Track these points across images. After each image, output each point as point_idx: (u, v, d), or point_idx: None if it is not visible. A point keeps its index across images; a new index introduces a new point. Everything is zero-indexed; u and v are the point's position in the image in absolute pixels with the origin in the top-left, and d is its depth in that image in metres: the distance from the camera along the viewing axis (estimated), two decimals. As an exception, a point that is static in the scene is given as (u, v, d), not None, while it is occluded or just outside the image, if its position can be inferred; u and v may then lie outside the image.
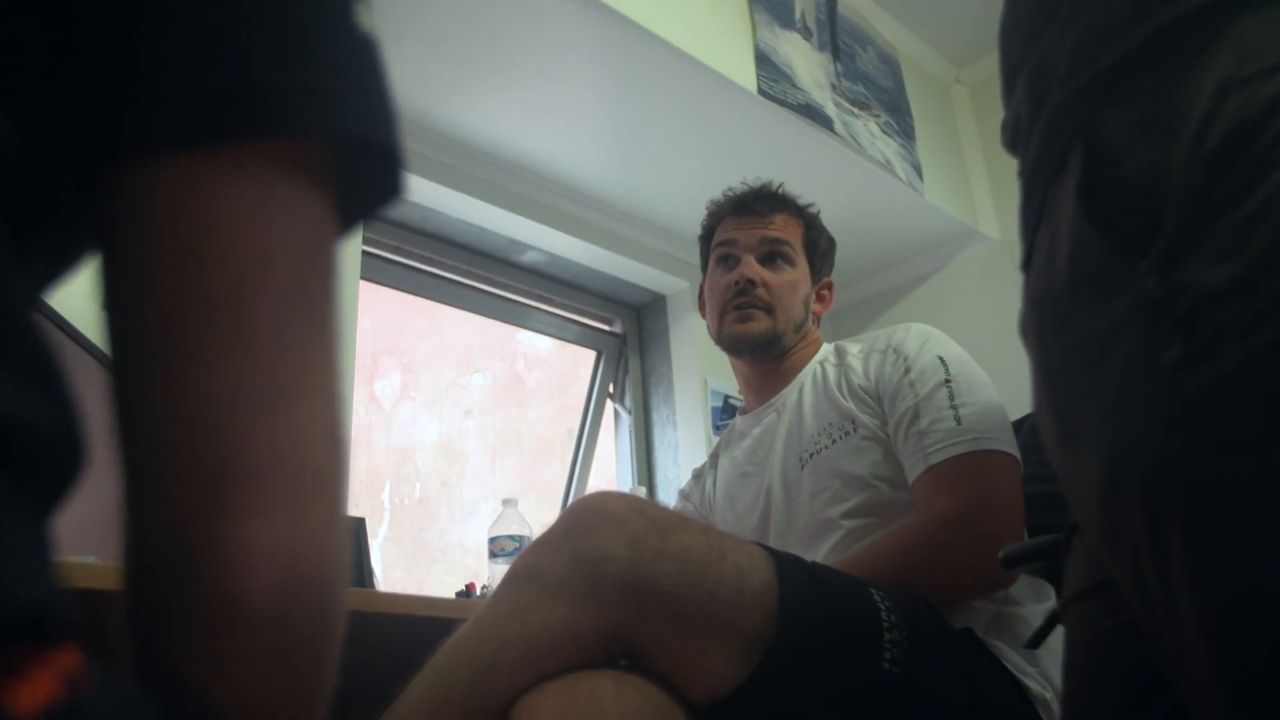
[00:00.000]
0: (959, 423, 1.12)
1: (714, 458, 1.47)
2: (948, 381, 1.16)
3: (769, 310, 1.35)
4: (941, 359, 1.19)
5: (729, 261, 1.40)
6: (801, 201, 1.46)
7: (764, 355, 1.36)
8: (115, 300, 0.32)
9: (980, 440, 1.10)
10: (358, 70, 0.34)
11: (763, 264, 1.37)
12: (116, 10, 0.31)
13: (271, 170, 0.32)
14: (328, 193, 0.34)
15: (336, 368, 0.34)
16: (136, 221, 0.31)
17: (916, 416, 1.15)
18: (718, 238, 1.44)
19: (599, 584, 0.83)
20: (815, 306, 1.43)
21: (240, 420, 0.31)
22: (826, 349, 1.38)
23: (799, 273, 1.39)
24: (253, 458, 0.31)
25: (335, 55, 0.33)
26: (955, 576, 1.05)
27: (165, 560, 0.31)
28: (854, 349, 1.31)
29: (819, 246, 1.43)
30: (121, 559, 0.32)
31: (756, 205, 1.42)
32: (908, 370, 1.19)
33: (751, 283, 1.35)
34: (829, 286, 1.46)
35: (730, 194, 1.46)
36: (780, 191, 1.45)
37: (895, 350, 1.23)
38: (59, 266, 0.37)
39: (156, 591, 0.31)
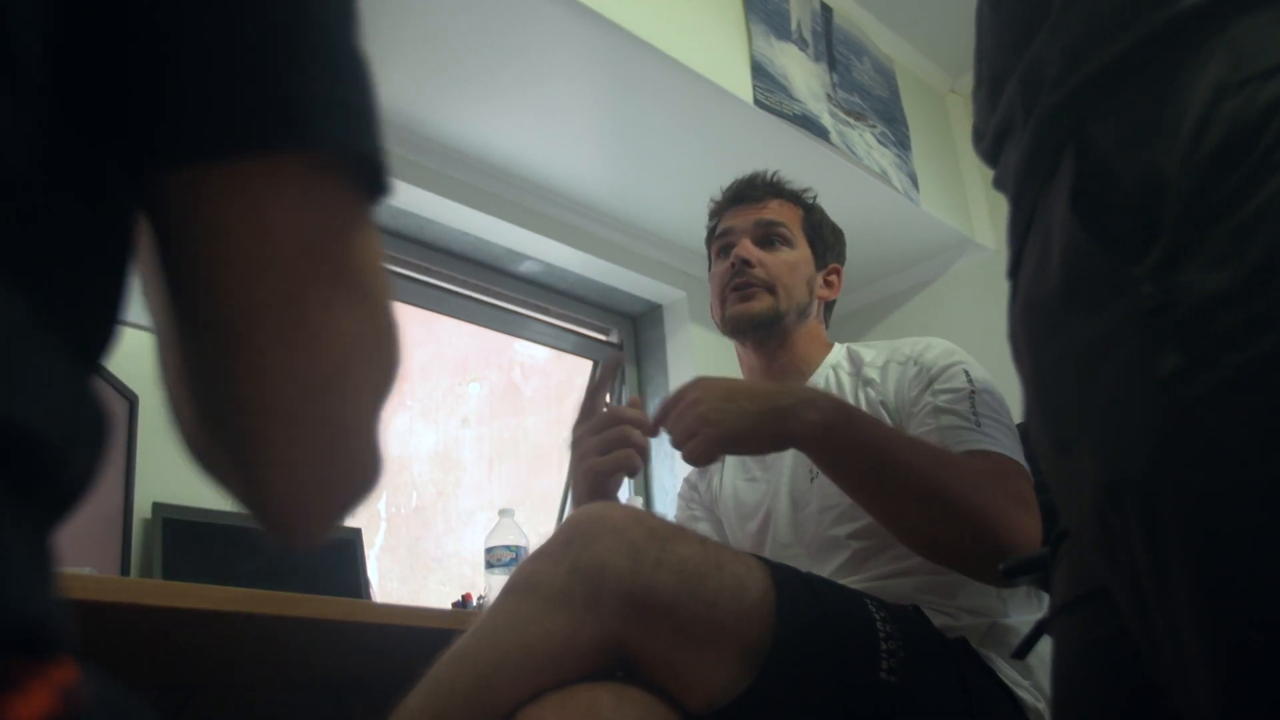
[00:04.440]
0: (978, 428, 1.10)
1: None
2: (973, 393, 1.13)
3: (769, 289, 1.31)
4: (967, 373, 1.17)
5: (727, 250, 1.38)
6: (797, 188, 1.43)
7: (767, 337, 1.32)
8: (171, 296, 0.35)
9: (1004, 448, 1.08)
10: (369, 86, 0.37)
11: (759, 246, 1.34)
12: (168, 30, 0.33)
13: (310, 176, 0.35)
14: (356, 192, 0.37)
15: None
16: (188, 226, 0.34)
17: (937, 414, 1.13)
18: (718, 231, 1.42)
19: (598, 594, 0.83)
20: (822, 291, 1.39)
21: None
22: (839, 352, 1.34)
23: (799, 254, 1.36)
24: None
25: (356, 72, 0.36)
26: (991, 522, 0.99)
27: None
28: (869, 355, 1.29)
29: (821, 232, 1.40)
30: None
31: (750, 192, 1.40)
32: (930, 382, 1.17)
33: (746, 263, 1.32)
34: (837, 273, 1.42)
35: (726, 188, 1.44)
36: (774, 178, 1.42)
37: (916, 362, 1.21)
38: (99, 276, 0.37)
39: None
